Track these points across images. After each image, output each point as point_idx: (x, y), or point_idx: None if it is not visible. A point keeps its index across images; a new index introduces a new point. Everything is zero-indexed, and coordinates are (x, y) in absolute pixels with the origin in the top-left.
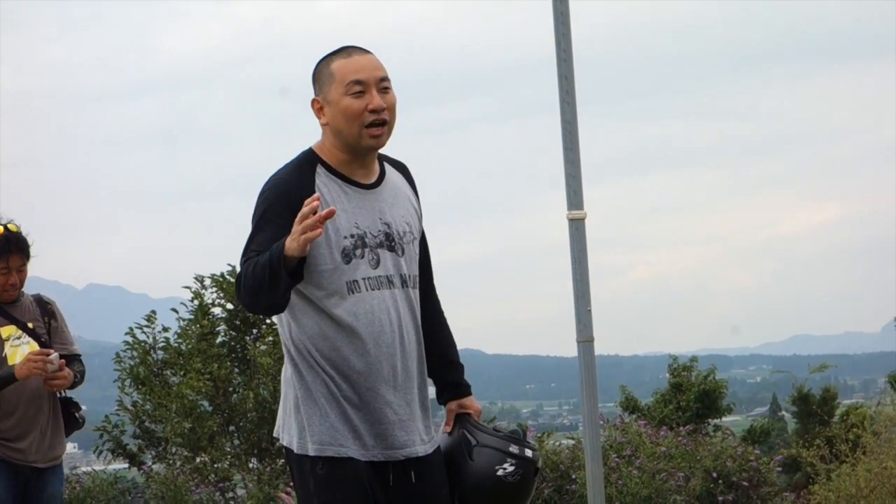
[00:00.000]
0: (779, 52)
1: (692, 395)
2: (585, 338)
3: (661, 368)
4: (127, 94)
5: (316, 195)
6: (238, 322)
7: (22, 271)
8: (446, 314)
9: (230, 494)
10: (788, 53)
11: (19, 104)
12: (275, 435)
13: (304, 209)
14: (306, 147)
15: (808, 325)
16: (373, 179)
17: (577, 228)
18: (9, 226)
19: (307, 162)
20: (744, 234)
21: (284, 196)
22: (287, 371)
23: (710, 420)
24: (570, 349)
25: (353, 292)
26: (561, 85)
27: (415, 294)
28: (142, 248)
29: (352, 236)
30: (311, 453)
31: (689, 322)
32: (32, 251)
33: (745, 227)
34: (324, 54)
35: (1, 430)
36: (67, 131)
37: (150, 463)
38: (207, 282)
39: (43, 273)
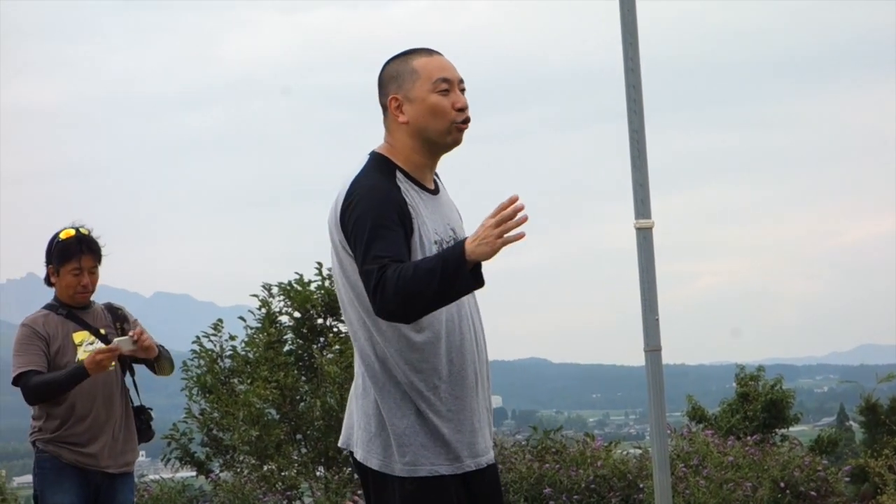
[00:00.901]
0: (842, 59)
1: (759, 404)
2: (653, 347)
3: (727, 378)
4: (192, 102)
5: (515, 195)
6: (305, 331)
7: (94, 273)
8: (513, 322)
9: (297, 503)
10: (851, 61)
11: (85, 112)
12: (342, 446)
13: (507, 210)
14: (366, 156)
15: (875, 334)
16: (433, 186)
17: (644, 237)
18: (80, 229)
19: (386, 168)
20: (809, 242)
21: (388, 202)
22: (366, 385)
23: (777, 430)
24: (636, 358)
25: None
26: (629, 94)
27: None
28: (208, 256)
29: (436, 243)
30: (400, 474)
31: (755, 331)
32: (103, 254)
33: (809, 235)
34: (390, 57)
35: (73, 433)
36: (133, 139)
37: (217, 471)
38: (275, 290)
39: (110, 281)
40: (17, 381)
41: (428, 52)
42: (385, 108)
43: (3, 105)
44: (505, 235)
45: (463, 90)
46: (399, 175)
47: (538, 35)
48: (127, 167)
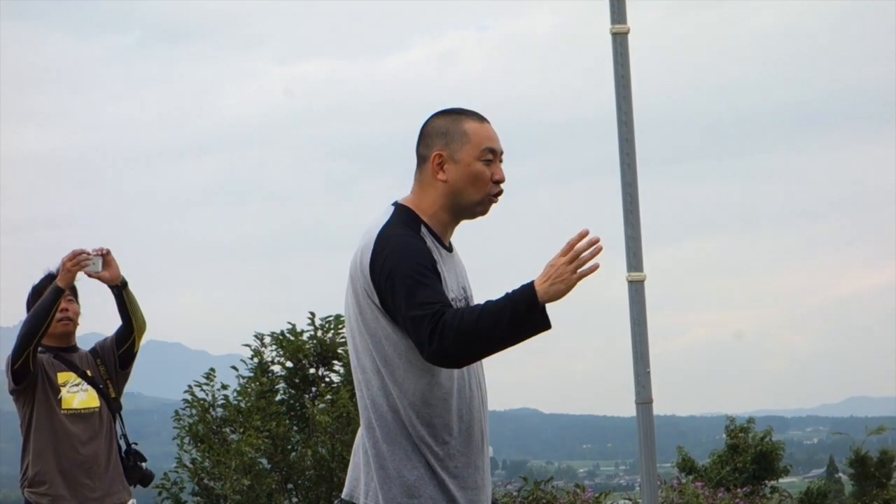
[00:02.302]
0: (837, 113)
1: (749, 456)
2: (644, 399)
3: (717, 429)
4: (188, 153)
5: (585, 229)
6: (297, 380)
7: (72, 302)
8: (504, 372)
9: None
10: (846, 115)
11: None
12: (346, 497)
13: (582, 242)
14: (390, 207)
15: (865, 386)
16: (448, 244)
17: (636, 290)
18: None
19: (412, 221)
20: (800, 295)
21: (422, 252)
22: (375, 437)
23: (767, 482)
24: (627, 409)
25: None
26: (621, 147)
27: None
28: (201, 305)
29: (453, 300)
30: None
31: (745, 383)
32: (84, 298)
33: (801, 288)
34: (440, 109)
35: (56, 478)
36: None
37: None
38: (267, 339)
39: (102, 329)
40: (12, 357)
41: (479, 117)
42: (424, 159)
43: (3, 153)
44: (579, 270)
45: (502, 161)
46: (423, 229)
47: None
48: (122, 216)
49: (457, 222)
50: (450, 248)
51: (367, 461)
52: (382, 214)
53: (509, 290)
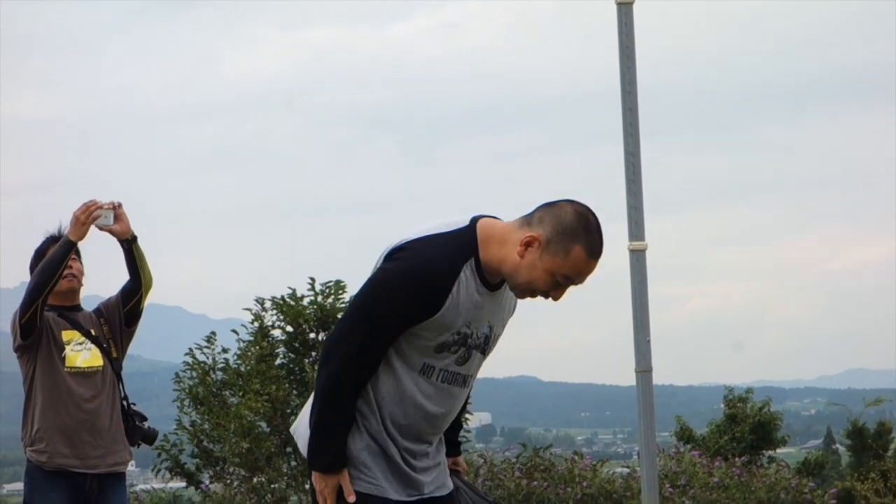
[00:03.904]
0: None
1: (747, 426)
2: (644, 368)
3: (715, 399)
4: (191, 118)
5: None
6: (297, 345)
7: (76, 261)
8: (504, 341)
9: None
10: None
11: (84, 125)
12: (291, 431)
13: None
14: (467, 221)
15: (864, 358)
16: (496, 281)
17: (637, 259)
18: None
19: (465, 251)
20: (800, 267)
21: (420, 296)
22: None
23: (764, 452)
24: (626, 378)
25: (425, 375)
26: (625, 117)
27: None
28: (201, 269)
29: (458, 333)
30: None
31: (744, 354)
32: (86, 259)
33: (801, 260)
34: (580, 209)
35: (56, 436)
36: (133, 154)
37: (207, 482)
38: (268, 304)
39: (104, 292)
40: (20, 310)
41: (594, 252)
42: (528, 225)
43: (3, 117)
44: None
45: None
46: (471, 264)
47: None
48: (124, 180)
49: (501, 278)
50: (497, 286)
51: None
52: (454, 222)
53: (336, 453)
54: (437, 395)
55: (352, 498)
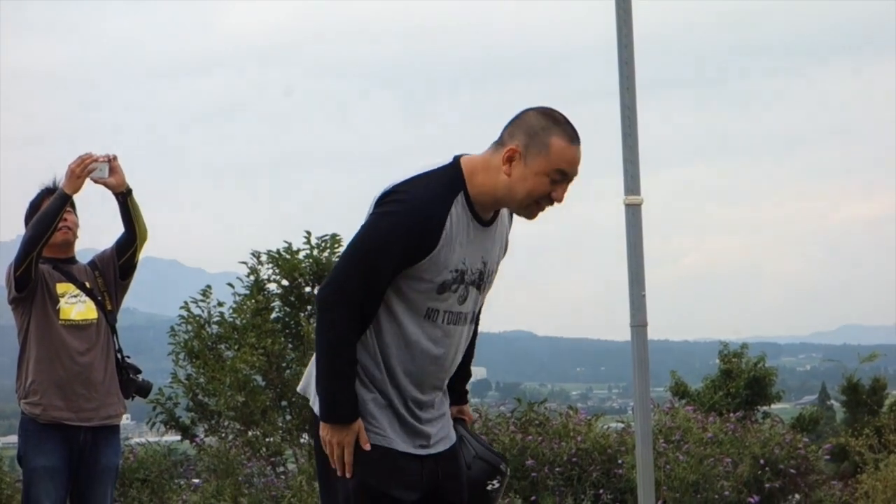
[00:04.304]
0: (835, 42)
1: (742, 381)
2: (639, 322)
3: (711, 354)
4: (188, 70)
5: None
6: (293, 298)
7: (71, 213)
8: (499, 295)
9: (281, 469)
10: (845, 44)
11: (81, 76)
12: (300, 391)
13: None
14: (450, 159)
15: (859, 314)
16: (489, 217)
17: (633, 213)
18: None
19: (453, 187)
20: (795, 222)
21: (414, 236)
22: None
23: (759, 407)
24: (621, 333)
25: (430, 318)
26: (621, 70)
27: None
28: (198, 223)
29: (456, 271)
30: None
31: (739, 309)
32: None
33: (796, 215)
34: (542, 109)
35: (51, 388)
36: (129, 105)
37: (202, 436)
38: (263, 258)
39: (99, 246)
40: (15, 263)
41: (572, 137)
42: (502, 144)
43: (1, 66)
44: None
45: (571, 182)
46: (461, 198)
47: (534, 14)
48: (121, 133)
49: (498, 209)
50: (489, 222)
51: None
52: (436, 162)
53: (345, 403)
54: (444, 338)
55: (367, 445)
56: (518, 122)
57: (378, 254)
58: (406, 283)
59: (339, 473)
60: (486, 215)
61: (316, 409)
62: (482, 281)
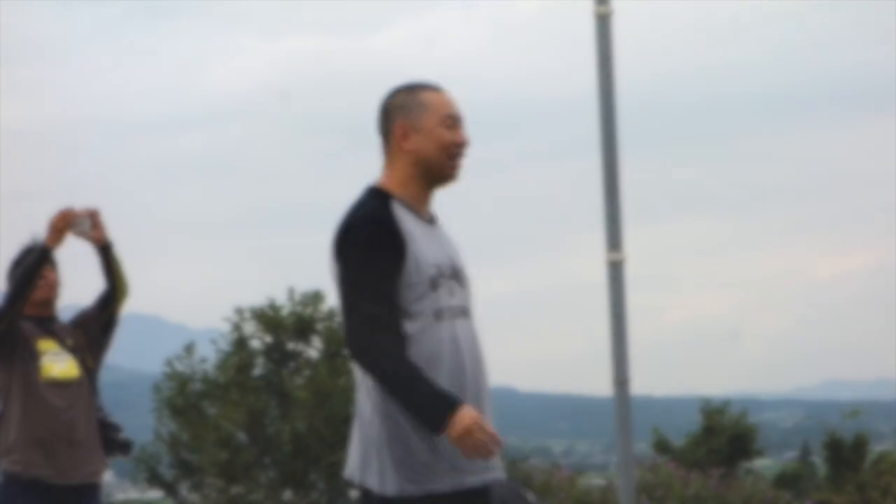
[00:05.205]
0: (818, 97)
1: (724, 437)
2: (622, 379)
3: (693, 410)
4: (172, 127)
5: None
6: (276, 355)
7: (52, 272)
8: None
9: None
10: (825, 100)
11: (64, 133)
12: (348, 476)
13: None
14: (366, 185)
15: (841, 370)
16: (429, 217)
17: (615, 270)
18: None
19: (381, 198)
20: (777, 278)
21: (384, 244)
22: (369, 406)
23: (741, 463)
24: (603, 388)
25: (439, 319)
26: (602, 128)
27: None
28: (181, 278)
29: (434, 265)
30: (392, 494)
31: (721, 365)
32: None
33: (778, 271)
34: (395, 87)
35: (31, 445)
36: (114, 161)
37: (185, 492)
38: (247, 314)
39: (82, 300)
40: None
41: (434, 88)
42: (388, 135)
43: None
44: (479, 451)
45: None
46: (395, 204)
47: (516, 66)
48: (104, 188)
49: (430, 192)
50: (431, 221)
51: (362, 437)
52: (356, 198)
53: (441, 396)
54: (458, 333)
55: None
56: (386, 110)
57: (371, 276)
58: (406, 296)
59: (490, 450)
60: (424, 212)
61: (370, 483)
62: (460, 276)
